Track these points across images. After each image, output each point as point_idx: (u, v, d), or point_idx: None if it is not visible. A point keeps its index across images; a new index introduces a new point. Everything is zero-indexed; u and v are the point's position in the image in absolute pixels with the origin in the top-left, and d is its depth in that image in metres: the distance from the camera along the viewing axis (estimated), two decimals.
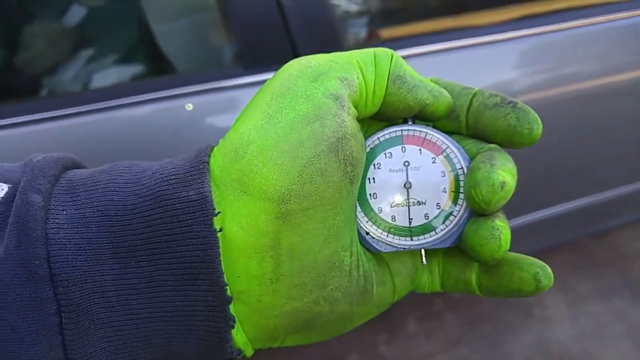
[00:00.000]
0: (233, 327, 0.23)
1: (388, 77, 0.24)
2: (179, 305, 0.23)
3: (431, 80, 0.26)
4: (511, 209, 0.31)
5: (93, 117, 0.76)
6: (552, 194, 1.10)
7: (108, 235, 0.22)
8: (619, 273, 1.45)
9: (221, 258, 0.22)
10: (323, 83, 0.23)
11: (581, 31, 0.97)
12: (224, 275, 0.22)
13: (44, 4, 1.09)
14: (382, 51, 0.25)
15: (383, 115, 0.25)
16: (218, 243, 0.22)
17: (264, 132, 0.22)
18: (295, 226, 0.22)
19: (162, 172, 0.23)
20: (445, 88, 0.26)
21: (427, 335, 1.33)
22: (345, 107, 0.23)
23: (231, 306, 0.23)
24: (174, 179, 0.23)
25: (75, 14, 1.12)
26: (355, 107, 0.24)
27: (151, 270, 0.22)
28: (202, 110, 0.78)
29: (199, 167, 0.23)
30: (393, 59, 0.25)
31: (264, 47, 0.81)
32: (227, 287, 0.22)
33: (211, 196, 0.22)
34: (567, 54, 0.96)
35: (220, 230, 0.22)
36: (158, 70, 1.04)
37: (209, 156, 0.24)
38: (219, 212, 0.22)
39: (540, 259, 0.25)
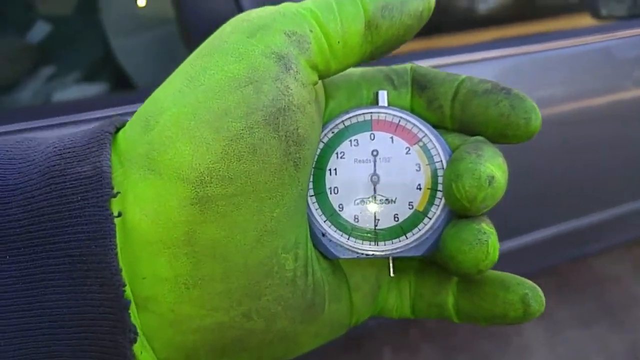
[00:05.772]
0: (135, 342, 0.18)
1: (365, 18, 0.20)
2: (66, 312, 0.18)
3: (410, 68, 0.23)
4: None
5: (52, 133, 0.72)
6: (526, 221, 1.08)
7: None
8: (596, 299, 1.42)
9: (118, 251, 0.18)
10: (263, 39, 0.19)
11: (553, 54, 0.97)
12: (122, 274, 0.18)
13: (6, 20, 1.06)
14: None
15: (376, 55, 0.21)
16: (114, 231, 0.18)
17: (182, 97, 0.18)
18: (218, 216, 0.18)
19: (56, 146, 0.19)
20: (425, 76, 0.23)
21: None
22: (291, 71, 0.19)
23: (136, 315, 0.19)
24: (68, 152, 0.19)
25: (40, 31, 1.09)
26: (316, 67, 0.20)
27: (31, 267, 0.18)
28: None
29: (100, 137, 0.19)
30: None
31: None
32: (126, 288, 0.18)
33: (109, 172, 0.18)
34: (539, 77, 0.96)
35: (119, 215, 0.18)
36: (122, 87, 1.00)
37: (117, 128, 0.20)
38: (118, 193, 0.18)
39: None
